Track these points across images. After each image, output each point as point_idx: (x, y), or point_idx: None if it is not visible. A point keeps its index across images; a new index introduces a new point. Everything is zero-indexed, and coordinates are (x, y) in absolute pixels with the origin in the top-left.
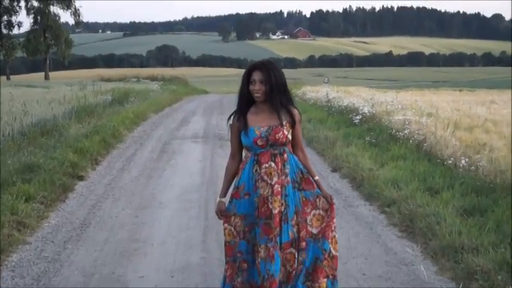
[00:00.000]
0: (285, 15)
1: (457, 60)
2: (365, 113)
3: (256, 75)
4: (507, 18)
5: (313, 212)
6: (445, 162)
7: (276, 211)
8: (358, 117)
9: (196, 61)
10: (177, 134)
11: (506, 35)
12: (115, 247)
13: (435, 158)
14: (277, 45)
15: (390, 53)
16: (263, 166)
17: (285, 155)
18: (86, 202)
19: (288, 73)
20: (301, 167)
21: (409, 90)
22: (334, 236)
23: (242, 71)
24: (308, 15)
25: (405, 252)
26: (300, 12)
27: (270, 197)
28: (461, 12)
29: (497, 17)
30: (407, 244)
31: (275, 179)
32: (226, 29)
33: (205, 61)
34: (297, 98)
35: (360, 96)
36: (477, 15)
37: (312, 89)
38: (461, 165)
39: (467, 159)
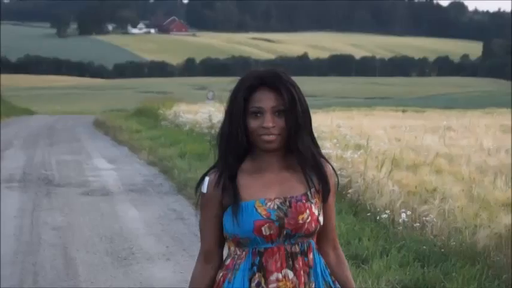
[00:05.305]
0: None
1: (401, 66)
2: None
3: (266, 100)
4: (470, 8)
5: None
6: (378, 217)
7: None
8: None
9: (16, 65)
10: None
11: (469, 31)
12: None
13: (364, 210)
14: (140, 43)
15: (305, 55)
16: (272, 278)
17: (311, 256)
18: None
19: (155, 85)
20: (330, 281)
21: (330, 110)
22: None
23: (86, 80)
24: (186, 0)
25: None
26: None
27: None
28: None
29: (457, 7)
30: None
31: None
32: (62, 18)
33: (31, 65)
34: (166, 122)
35: None
36: (429, 4)
37: (189, 109)
38: (400, 220)
39: (409, 213)
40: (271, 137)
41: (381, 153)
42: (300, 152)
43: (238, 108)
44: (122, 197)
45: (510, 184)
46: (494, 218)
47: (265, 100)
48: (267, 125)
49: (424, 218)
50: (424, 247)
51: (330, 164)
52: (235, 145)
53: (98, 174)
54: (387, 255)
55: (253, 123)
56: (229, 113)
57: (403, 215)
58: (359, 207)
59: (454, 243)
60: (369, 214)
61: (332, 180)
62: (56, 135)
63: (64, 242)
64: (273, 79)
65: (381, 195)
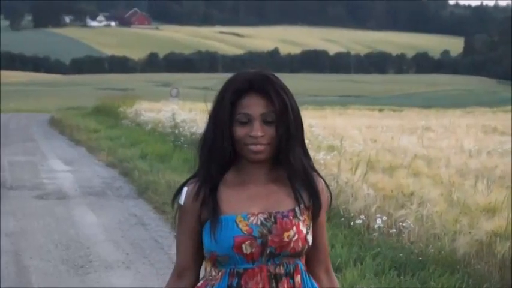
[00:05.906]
0: None
1: (377, 63)
2: None
3: (255, 106)
4: (451, 1)
5: None
6: (352, 223)
7: None
8: None
9: None
10: None
11: (449, 26)
12: None
13: (337, 215)
14: (99, 37)
15: (276, 51)
16: None
17: (298, 278)
18: None
19: (115, 81)
20: None
21: (302, 109)
22: None
23: (41, 76)
24: None
25: None
26: None
27: None
28: None
29: (438, 0)
30: None
31: None
32: (16, 10)
33: None
34: (127, 121)
35: None
36: None
37: (151, 107)
38: (376, 226)
39: (385, 218)
40: (260, 147)
41: (356, 154)
42: (291, 164)
43: (224, 114)
44: (79, 200)
45: (492, 188)
46: (475, 223)
47: (254, 106)
48: (255, 134)
49: (400, 224)
50: (401, 254)
51: (322, 178)
52: (219, 154)
53: (54, 177)
54: (361, 263)
55: (239, 131)
56: (213, 118)
57: (379, 221)
58: (332, 212)
59: (433, 250)
60: (342, 219)
61: (324, 196)
62: (8, 135)
63: (17, 248)
64: (263, 83)
65: (355, 199)
